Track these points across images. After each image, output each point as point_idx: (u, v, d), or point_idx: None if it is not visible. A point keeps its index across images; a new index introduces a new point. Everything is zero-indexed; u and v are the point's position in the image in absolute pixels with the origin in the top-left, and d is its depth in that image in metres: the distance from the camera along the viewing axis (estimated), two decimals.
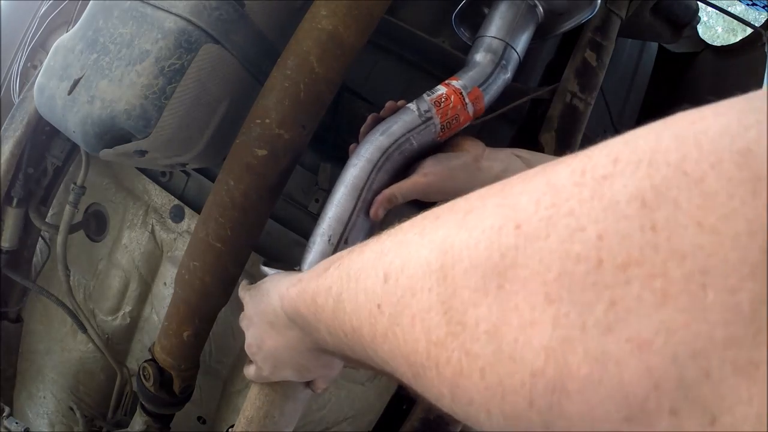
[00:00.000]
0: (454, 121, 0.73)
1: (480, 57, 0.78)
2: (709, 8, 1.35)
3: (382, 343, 0.26)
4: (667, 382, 0.14)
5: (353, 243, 0.66)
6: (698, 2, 1.20)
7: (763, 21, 1.32)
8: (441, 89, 0.73)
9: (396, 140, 0.69)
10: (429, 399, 0.24)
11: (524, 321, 0.17)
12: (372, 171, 0.68)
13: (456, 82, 0.74)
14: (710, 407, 0.14)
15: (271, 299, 0.52)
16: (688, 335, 0.14)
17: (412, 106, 0.71)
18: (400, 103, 0.72)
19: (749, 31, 1.33)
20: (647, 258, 0.14)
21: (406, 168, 0.72)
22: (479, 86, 0.75)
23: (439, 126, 0.71)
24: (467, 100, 0.73)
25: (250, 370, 0.63)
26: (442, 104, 0.71)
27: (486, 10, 0.82)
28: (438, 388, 0.22)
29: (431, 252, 0.22)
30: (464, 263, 0.20)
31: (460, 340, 0.20)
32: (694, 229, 0.14)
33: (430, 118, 0.70)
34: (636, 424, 0.15)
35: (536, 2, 0.79)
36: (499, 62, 0.78)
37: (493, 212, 0.20)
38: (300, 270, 0.65)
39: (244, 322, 0.61)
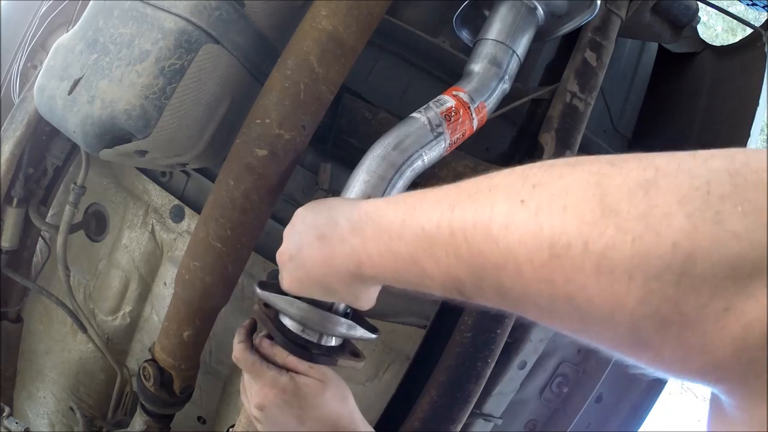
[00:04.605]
0: (462, 136, 0.72)
1: (484, 68, 0.77)
2: (709, 8, 1.35)
3: (515, 231, 0.31)
4: (749, 257, 0.24)
5: None
6: (698, 2, 1.20)
7: (763, 21, 1.31)
8: (449, 101, 0.71)
9: (410, 156, 0.66)
10: (557, 280, 0.29)
11: (665, 211, 0.26)
12: (385, 190, 0.64)
13: (463, 95, 0.72)
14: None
15: (335, 213, 0.51)
16: (757, 235, 0.24)
17: (421, 117, 0.68)
18: None
19: (749, 31, 1.33)
20: (733, 197, 0.25)
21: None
22: (484, 100, 0.75)
23: (449, 141, 0.70)
24: (474, 115, 0.72)
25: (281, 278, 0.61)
26: (452, 119, 0.69)
27: (486, 12, 0.82)
28: (580, 263, 0.28)
29: (589, 175, 0.30)
30: (617, 181, 0.29)
31: (614, 220, 0.27)
32: (755, 191, 0.25)
33: (441, 134, 0.68)
34: (731, 282, 0.24)
35: (536, 4, 0.79)
36: (502, 76, 0.78)
37: (636, 162, 0.29)
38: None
39: (286, 231, 0.60)
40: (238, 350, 0.65)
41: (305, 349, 0.63)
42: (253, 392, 0.63)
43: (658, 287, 0.26)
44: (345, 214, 0.50)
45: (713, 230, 0.25)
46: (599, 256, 0.27)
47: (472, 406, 0.90)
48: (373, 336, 0.66)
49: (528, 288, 0.32)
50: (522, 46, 0.80)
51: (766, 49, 1.23)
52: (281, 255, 0.59)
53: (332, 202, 0.56)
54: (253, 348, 0.65)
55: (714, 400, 0.29)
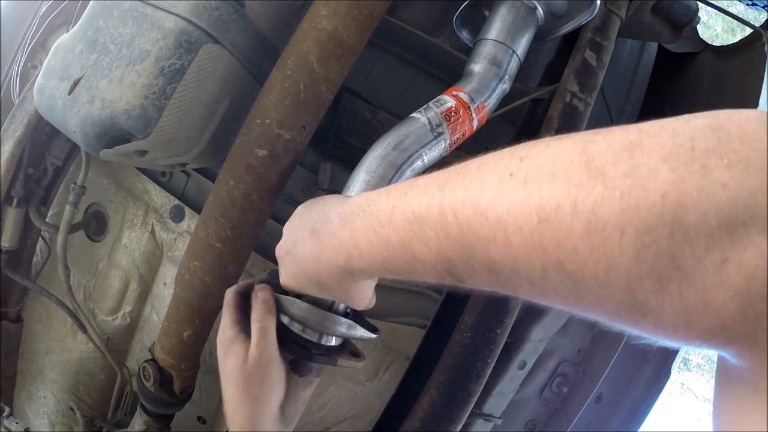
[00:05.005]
0: (461, 137, 0.72)
1: (484, 68, 0.77)
2: (709, 8, 1.35)
3: (504, 201, 0.32)
4: (740, 205, 0.24)
5: None
6: (698, 2, 1.20)
7: (763, 21, 1.32)
8: (449, 101, 0.71)
9: (410, 156, 0.66)
10: (547, 245, 0.29)
11: (651, 168, 0.26)
12: None
13: (463, 95, 0.73)
14: (763, 221, 0.23)
15: (328, 208, 0.52)
16: (746, 183, 0.24)
17: (421, 117, 0.69)
18: None
19: (749, 31, 1.33)
20: (717, 150, 0.25)
21: None
22: (484, 100, 0.75)
23: (449, 141, 0.70)
24: (474, 115, 0.72)
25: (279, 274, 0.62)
26: (452, 119, 0.69)
27: (486, 13, 0.82)
28: (569, 224, 0.28)
29: (574, 143, 0.31)
30: (602, 146, 0.29)
31: (601, 180, 0.27)
32: (739, 143, 0.25)
33: (441, 134, 0.68)
34: (725, 231, 0.24)
35: (536, 4, 0.79)
36: (502, 76, 0.78)
37: (619, 129, 0.30)
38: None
39: (285, 227, 0.60)
40: (229, 292, 0.66)
41: (305, 348, 0.63)
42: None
43: (652, 240, 0.25)
44: (336, 209, 0.50)
45: (700, 181, 0.25)
46: (588, 214, 0.27)
47: (472, 406, 0.90)
48: (374, 336, 0.66)
49: (518, 260, 0.31)
50: (522, 46, 0.80)
51: (766, 49, 1.23)
52: (279, 250, 0.60)
53: (328, 198, 0.56)
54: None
55: (721, 368, 0.29)
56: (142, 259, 1.10)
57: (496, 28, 0.78)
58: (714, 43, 1.49)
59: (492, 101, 0.77)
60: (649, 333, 0.28)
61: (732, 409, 0.28)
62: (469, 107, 0.72)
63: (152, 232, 1.09)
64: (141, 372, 0.87)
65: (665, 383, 1.29)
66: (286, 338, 0.63)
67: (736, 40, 1.41)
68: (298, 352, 0.63)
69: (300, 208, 0.60)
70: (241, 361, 0.60)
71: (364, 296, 0.58)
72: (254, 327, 0.61)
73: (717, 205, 0.24)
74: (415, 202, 0.39)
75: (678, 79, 1.47)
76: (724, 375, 0.29)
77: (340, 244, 0.47)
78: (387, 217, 0.41)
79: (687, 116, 0.28)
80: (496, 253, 0.33)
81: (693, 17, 1.15)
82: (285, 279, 0.59)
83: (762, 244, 0.23)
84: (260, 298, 0.63)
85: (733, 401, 0.28)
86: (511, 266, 0.32)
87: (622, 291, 0.27)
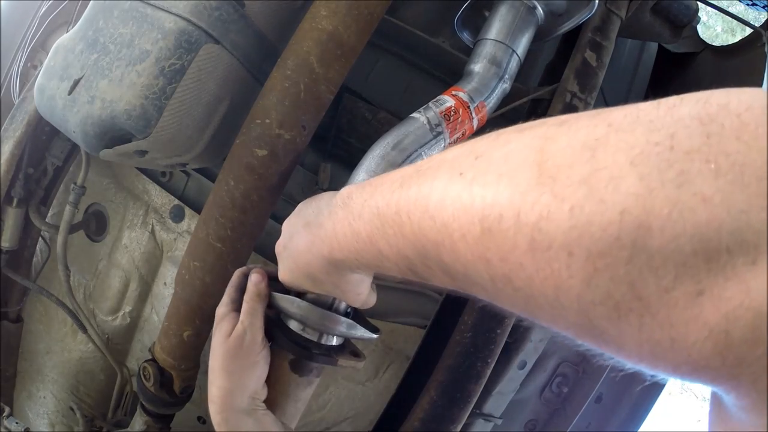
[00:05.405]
0: (461, 136, 0.72)
1: (484, 67, 0.77)
2: (709, 8, 1.35)
3: (450, 205, 0.29)
4: (725, 227, 0.19)
5: None
6: (698, 2, 1.20)
7: (763, 21, 1.32)
8: (449, 101, 0.71)
9: (409, 156, 0.66)
10: (491, 258, 0.26)
11: (613, 174, 0.22)
12: None
13: (463, 94, 0.73)
14: (755, 248, 0.19)
15: (322, 202, 0.53)
16: (736, 198, 0.19)
17: (421, 117, 0.69)
18: None
19: (749, 31, 1.33)
20: (704, 150, 0.20)
21: None
22: (484, 100, 0.75)
23: (449, 141, 0.70)
24: (474, 115, 0.72)
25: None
26: (452, 118, 0.69)
27: (486, 13, 0.82)
28: (513, 237, 0.24)
29: (533, 139, 0.26)
30: (561, 143, 0.25)
31: (550, 187, 0.23)
32: (735, 141, 0.20)
33: (440, 133, 0.68)
34: (701, 259, 0.20)
35: (536, 3, 0.79)
36: (502, 76, 0.78)
37: (587, 120, 0.25)
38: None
39: (284, 224, 0.61)
40: (236, 273, 0.68)
41: (305, 348, 0.63)
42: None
43: (605, 265, 0.21)
44: (327, 201, 0.51)
45: (674, 194, 0.20)
46: (532, 228, 0.23)
47: (472, 406, 0.90)
48: (374, 336, 0.66)
49: (467, 267, 0.29)
50: (522, 45, 0.80)
51: (766, 49, 1.23)
52: (277, 246, 0.61)
53: (325, 194, 0.57)
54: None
55: (714, 396, 0.25)
56: (142, 259, 1.10)
57: (495, 27, 0.78)
58: (714, 43, 1.49)
59: (492, 101, 0.77)
60: (616, 357, 0.25)
61: None
62: (468, 107, 0.72)
63: (152, 232, 1.09)
64: (141, 372, 0.87)
65: (665, 383, 1.29)
66: (286, 337, 0.63)
67: (736, 40, 1.41)
68: (299, 352, 0.63)
69: (299, 205, 0.61)
70: (225, 336, 0.63)
71: (359, 291, 0.58)
72: (243, 307, 0.64)
73: (693, 227, 0.20)
74: (379, 197, 0.38)
75: (678, 79, 1.46)
76: (716, 403, 0.24)
77: (325, 235, 0.48)
78: (358, 210, 0.41)
79: (672, 101, 0.24)
80: (446, 258, 0.30)
81: (693, 17, 1.15)
82: (282, 274, 0.60)
83: (751, 277, 0.19)
84: (253, 281, 0.64)
85: None
86: (462, 272, 0.30)
87: (574, 314, 0.23)
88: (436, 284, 0.37)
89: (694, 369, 0.21)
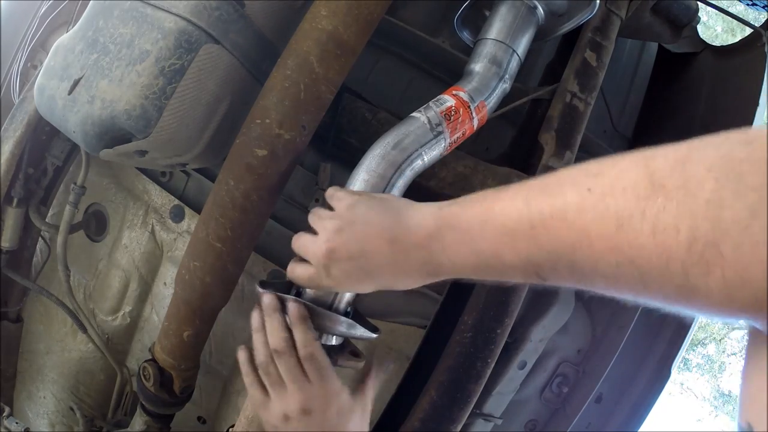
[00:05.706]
0: (462, 135, 0.72)
1: (484, 67, 0.77)
2: (709, 8, 1.35)
3: (589, 213, 0.38)
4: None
5: None
6: (698, 2, 1.20)
7: (763, 21, 1.32)
8: (449, 100, 0.71)
9: (409, 155, 0.66)
10: (622, 246, 0.36)
11: (699, 180, 0.33)
12: (385, 189, 0.65)
13: (463, 94, 0.72)
14: None
15: (401, 217, 0.54)
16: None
17: (421, 116, 0.68)
18: None
19: (749, 31, 1.33)
20: (748, 157, 0.32)
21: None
22: (485, 100, 0.75)
23: (449, 140, 0.70)
24: (474, 114, 0.72)
25: (299, 270, 0.59)
26: (452, 118, 0.69)
27: (487, 13, 0.82)
28: (639, 228, 0.35)
29: (637, 160, 0.38)
30: (660, 162, 0.36)
31: (663, 192, 0.34)
32: (759, 175, 0.31)
33: (440, 133, 0.68)
34: (756, 223, 0.30)
35: (536, 3, 0.79)
36: (503, 75, 0.78)
37: (671, 147, 0.36)
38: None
39: (326, 222, 0.57)
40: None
41: None
42: (278, 400, 0.61)
43: (700, 234, 0.32)
44: (415, 220, 0.53)
45: (735, 186, 0.31)
46: (654, 219, 0.34)
47: (472, 406, 0.90)
48: (374, 335, 0.66)
49: (598, 260, 0.38)
50: (522, 45, 0.80)
51: (766, 49, 1.23)
52: (332, 253, 0.56)
53: (395, 202, 0.56)
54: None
55: (752, 338, 0.35)
56: (142, 259, 1.10)
57: (496, 27, 0.78)
58: (714, 43, 1.49)
59: (492, 100, 0.77)
60: (698, 311, 0.35)
61: (762, 373, 0.34)
62: (469, 106, 0.72)
63: (152, 232, 1.09)
64: (141, 372, 0.87)
65: (665, 383, 1.29)
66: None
67: (736, 40, 1.41)
68: None
69: (356, 205, 0.57)
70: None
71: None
72: (309, 366, 0.60)
73: (747, 206, 0.30)
74: (504, 217, 0.45)
75: (678, 79, 1.46)
76: (754, 345, 0.35)
77: (430, 256, 0.52)
78: (478, 231, 0.47)
79: (726, 133, 0.34)
80: (579, 256, 0.40)
81: (693, 17, 1.15)
82: (339, 281, 0.56)
83: None
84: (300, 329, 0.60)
85: (762, 365, 0.34)
86: (591, 266, 0.39)
87: (679, 276, 0.33)
88: (551, 282, 0.45)
89: (755, 300, 0.30)
